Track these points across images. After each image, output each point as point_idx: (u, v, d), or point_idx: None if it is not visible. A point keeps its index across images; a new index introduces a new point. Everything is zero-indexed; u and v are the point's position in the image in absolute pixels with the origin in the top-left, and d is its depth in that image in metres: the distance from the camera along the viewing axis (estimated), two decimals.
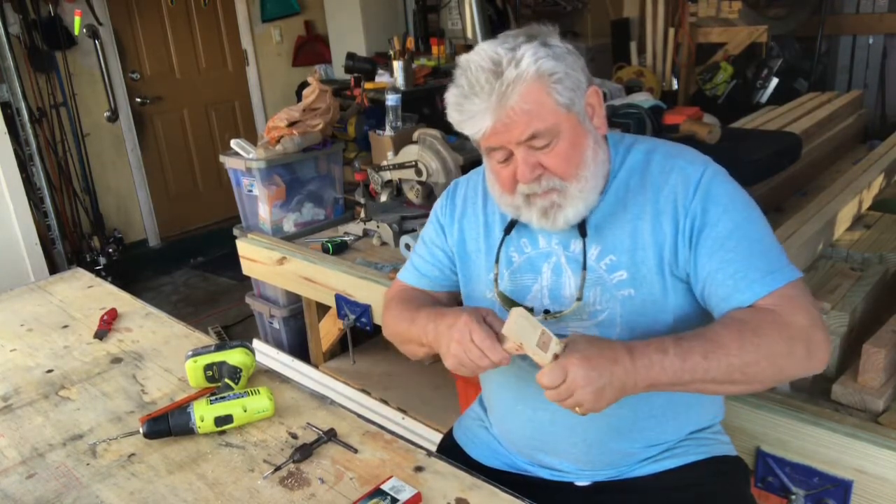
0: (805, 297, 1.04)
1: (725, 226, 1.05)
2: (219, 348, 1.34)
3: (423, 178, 2.51)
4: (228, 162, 2.69)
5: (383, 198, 2.62)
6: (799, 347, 0.98)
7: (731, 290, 1.03)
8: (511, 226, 1.18)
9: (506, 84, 1.00)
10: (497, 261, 1.19)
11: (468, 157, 2.49)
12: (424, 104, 3.73)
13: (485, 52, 1.04)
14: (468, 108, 1.03)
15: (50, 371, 1.48)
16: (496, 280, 1.18)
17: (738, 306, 1.03)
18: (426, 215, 2.35)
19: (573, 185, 1.07)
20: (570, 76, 1.04)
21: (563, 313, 1.12)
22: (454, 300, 1.33)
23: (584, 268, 1.11)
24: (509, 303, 1.16)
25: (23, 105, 3.58)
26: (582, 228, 1.11)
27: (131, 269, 4.30)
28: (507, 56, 1.01)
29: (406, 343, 1.25)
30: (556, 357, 0.97)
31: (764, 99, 4.06)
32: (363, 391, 2.36)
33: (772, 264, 1.04)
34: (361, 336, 2.53)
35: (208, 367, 1.32)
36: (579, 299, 1.11)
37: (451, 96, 1.06)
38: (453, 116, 1.07)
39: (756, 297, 1.02)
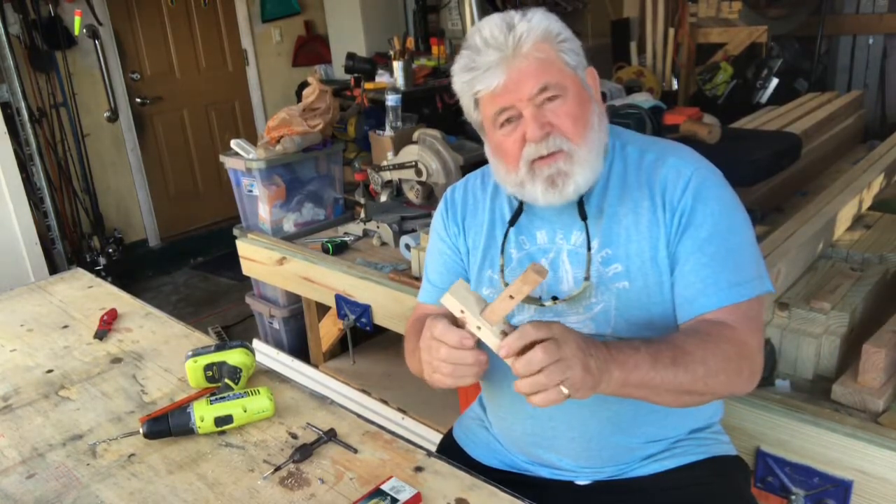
0: (760, 318, 1.09)
1: (708, 229, 1.07)
2: (219, 348, 1.34)
3: (423, 178, 2.51)
4: (228, 162, 2.69)
5: (383, 198, 2.62)
6: (746, 367, 1.03)
7: (698, 294, 1.07)
8: (514, 218, 1.19)
9: (519, 34, 1.04)
10: (503, 252, 1.20)
11: (468, 157, 2.49)
12: (424, 104, 3.73)
13: (496, 15, 1.08)
14: (482, 62, 1.05)
15: (50, 371, 1.48)
16: (502, 271, 1.19)
17: (701, 311, 1.06)
18: (426, 215, 2.38)
19: (581, 147, 1.07)
20: (575, 41, 1.09)
21: (572, 296, 1.13)
22: None
23: (589, 249, 1.12)
24: None
25: (23, 105, 3.58)
26: (581, 212, 1.12)
27: (131, 269, 4.31)
28: (519, 15, 1.06)
29: (424, 376, 1.18)
30: (504, 335, 0.88)
31: (764, 99, 4.06)
32: (363, 391, 2.36)
33: (743, 276, 1.06)
34: (361, 336, 2.54)
35: (208, 367, 1.32)
36: (587, 278, 1.11)
37: (460, 60, 1.09)
38: (463, 78, 1.08)
39: (720, 304, 1.05)
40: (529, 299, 1.16)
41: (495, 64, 1.04)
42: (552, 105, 1.06)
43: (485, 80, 1.05)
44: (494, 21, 1.06)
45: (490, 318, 0.91)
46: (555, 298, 1.15)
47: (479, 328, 0.91)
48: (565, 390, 0.87)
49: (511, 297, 0.88)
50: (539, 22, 1.05)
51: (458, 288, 0.92)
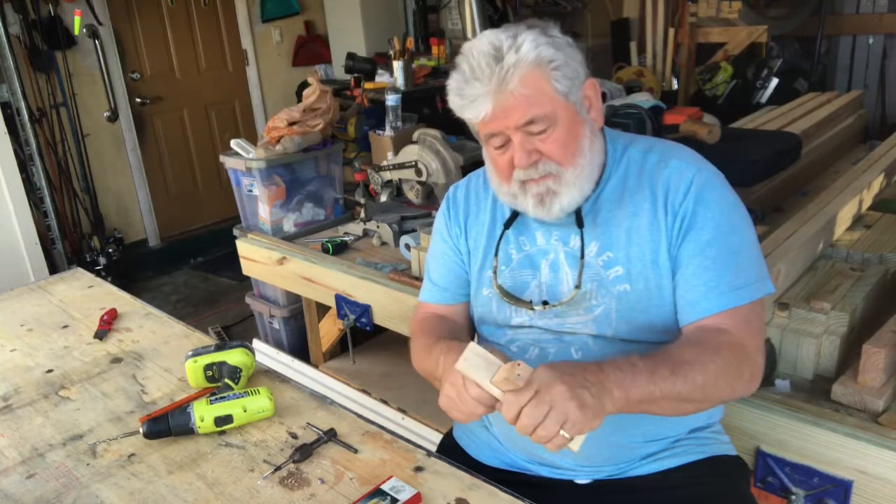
0: (761, 320, 1.10)
1: (710, 232, 1.08)
2: (219, 348, 1.34)
3: (423, 178, 2.51)
4: (228, 162, 2.69)
5: (383, 198, 2.62)
6: (746, 370, 1.04)
7: (700, 298, 1.07)
8: (511, 221, 1.19)
9: (506, 68, 1.02)
10: (496, 254, 1.20)
11: (468, 157, 2.49)
12: (424, 104, 3.73)
13: (487, 38, 1.06)
14: (469, 93, 1.05)
15: (50, 371, 1.48)
16: (495, 273, 1.19)
17: (703, 315, 1.07)
18: (426, 215, 2.38)
19: (569, 171, 1.09)
20: (568, 65, 1.06)
21: (562, 302, 1.14)
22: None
23: (582, 256, 1.13)
24: (508, 297, 1.18)
25: (23, 105, 3.58)
26: (579, 220, 1.13)
27: (131, 269, 4.30)
28: (508, 42, 1.04)
29: (429, 378, 1.22)
30: None
31: (764, 99, 4.06)
32: (363, 391, 2.36)
33: (744, 279, 1.07)
34: (361, 336, 2.53)
35: (208, 367, 1.32)
36: (578, 287, 1.12)
37: (452, 82, 1.08)
38: (454, 101, 1.09)
39: (721, 308, 1.06)
40: (521, 303, 1.18)
41: (481, 97, 1.04)
42: (540, 135, 1.06)
43: (473, 109, 1.06)
44: (483, 47, 1.05)
45: (498, 385, 0.95)
46: (545, 303, 1.16)
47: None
48: (566, 434, 0.89)
49: (506, 378, 0.94)
50: (527, 52, 1.03)
51: (470, 355, 0.97)
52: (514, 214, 1.20)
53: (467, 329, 1.32)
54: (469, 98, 1.05)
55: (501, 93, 1.03)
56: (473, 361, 0.96)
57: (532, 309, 1.16)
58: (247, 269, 2.63)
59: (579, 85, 1.09)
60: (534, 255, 1.19)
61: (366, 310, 2.13)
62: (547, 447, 0.91)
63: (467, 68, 1.05)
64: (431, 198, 2.57)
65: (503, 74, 1.02)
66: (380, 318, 2.12)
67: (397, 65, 3.72)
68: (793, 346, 1.50)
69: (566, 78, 1.06)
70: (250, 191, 2.70)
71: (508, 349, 1.20)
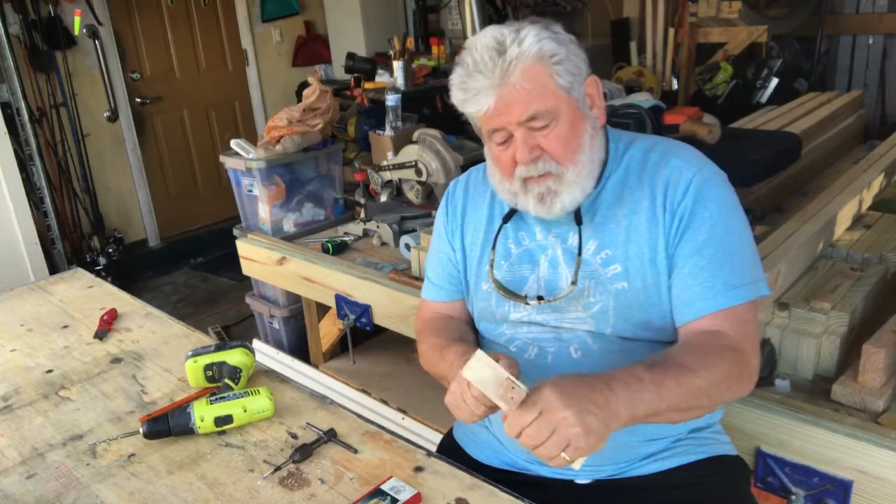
0: (756, 320, 1.10)
1: (707, 232, 1.08)
2: (219, 348, 1.34)
3: (423, 178, 2.51)
4: (228, 162, 2.69)
5: (383, 198, 2.62)
6: (745, 372, 1.05)
7: (695, 298, 1.07)
8: (510, 215, 1.20)
9: (508, 61, 1.03)
10: (494, 247, 1.21)
11: (468, 157, 2.49)
12: (424, 104, 3.73)
13: (490, 32, 1.07)
14: (472, 86, 1.05)
15: (50, 371, 1.48)
16: (492, 267, 1.20)
17: (699, 315, 1.07)
18: (426, 215, 2.39)
19: (570, 169, 1.09)
20: (570, 60, 1.07)
21: (558, 298, 1.14)
22: None
23: (580, 253, 1.13)
24: (504, 291, 1.18)
25: (23, 105, 3.58)
26: (577, 217, 1.14)
27: (131, 269, 4.30)
28: (511, 36, 1.05)
29: (441, 380, 1.22)
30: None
31: (764, 99, 4.05)
32: (363, 391, 2.36)
33: (740, 279, 1.07)
34: (361, 336, 2.53)
35: (208, 367, 1.32)
36: (574, 283, 1.12)
37: (455, 76, 1.09)
38: (457, 96, 1.09)
39: (717, 308, 1.06)
40: (517, 297, 1.18)
41: (484, 90, 1.05)
42: (542, 130, 1.07)
43: (475, 103, 1.06)
44: (486, 41, 1.06)
45: (503, 395, 0.94)
46: (540, 298, 1.16)
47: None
48: (567, 457, 0.89)
49: (501, 396, 0.94)
50: (530, 46, 1.04)
51: (477, 364, 0.96)
52: (513, 209, 1.20)
53: (472, 326, 1.32)
54: (472, 91, 1.06)
55: (504, 86, 1.04)
56: (478, 371, 0.96)
57: (527, 304, 1.17)
58: (247, 269, 2.63)
59: (581, 81, 1.10)
60: (533, 250, 1.19)
61: (366, 310, 2.13)
62: (548, 465, 0.91)
63: (470, 61, 1.06)
64: (431, 198, 2.57)
65: (506, 67, 1.03)
66: (380, 318, 2.12)
67: (397, 65, 3.73)
68: (793, 346, 1.50)
69: (568, 73, 1.07)
70: (250, 191, 2.70)
71: (507, 349, 1.20)
